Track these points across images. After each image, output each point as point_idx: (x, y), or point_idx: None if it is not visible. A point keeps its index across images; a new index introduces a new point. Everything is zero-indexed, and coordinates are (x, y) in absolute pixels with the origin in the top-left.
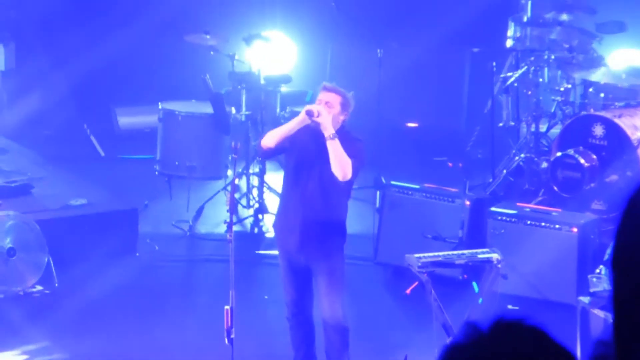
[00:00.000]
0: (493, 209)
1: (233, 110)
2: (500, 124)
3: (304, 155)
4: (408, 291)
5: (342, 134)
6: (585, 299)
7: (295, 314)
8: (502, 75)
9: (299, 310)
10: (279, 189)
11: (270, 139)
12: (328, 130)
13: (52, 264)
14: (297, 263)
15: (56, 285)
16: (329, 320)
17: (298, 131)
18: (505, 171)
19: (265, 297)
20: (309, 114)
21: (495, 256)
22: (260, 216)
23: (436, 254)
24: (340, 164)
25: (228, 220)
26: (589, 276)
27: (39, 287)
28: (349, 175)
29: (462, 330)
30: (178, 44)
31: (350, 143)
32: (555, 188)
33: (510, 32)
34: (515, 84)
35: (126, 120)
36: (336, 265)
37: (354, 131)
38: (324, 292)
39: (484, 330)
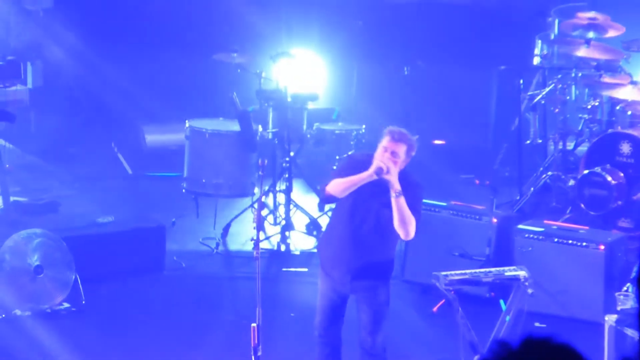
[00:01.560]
0: (520, 226)
1: (260, 127)
2: (528, 142)
3: (363, 196)
4: (435, 309)
5: (402, 176)
6: (612, 317)
7: (325, 333)
8: (529, 93)
9: (329, 332)
10: (306, 207)
11: (338, 190)
12: (395, 187)
13: (79, 282)
14: (338, 293)
15: (83, 302)
16: (370, 350)
17: (359, 168)
18: (532, 189)
19: (292, 314)
20: (379, 172)
21: (522, 274)
22: (287, 233)
23: (463, 271)
24: (405, 224)
25: (255, 237)
26: (616, 294)
27: (66, 305)
28: (412, 234)
29: (491, 348)
30: (206, 62)
31: (410, 190)
32: (582, 206)
33: (537, 50)
34: (543, 102)
35: (154, 137)
36: (382, 299)
37: (412, 172)
38: (369, 324)
39: (514, 348)
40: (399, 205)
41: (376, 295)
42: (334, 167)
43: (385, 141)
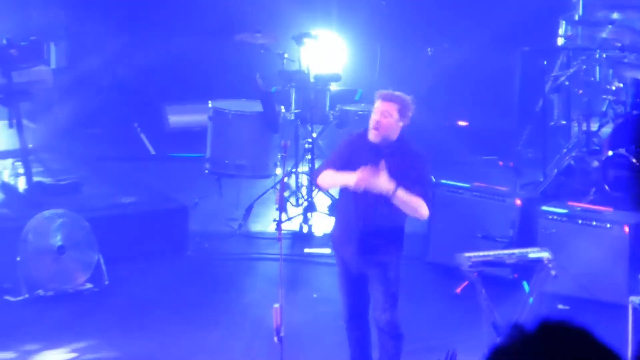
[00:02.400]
0: (544, 208)
1: (282, 108)
2: (552, 123)
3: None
4: (458, 290)
5: (401, 144)
6: (636, 299)
7: (350, 319)
8: (553, 74)
9: (355, 315)
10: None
11: (325, 183)
12: (386, 189)
13: (102, 262)
14: (353, 271)
15: (106, 283)
16: (384, 327)
17: (356, 146)
18: (556, 170)
19: (314, 295)
20: (357, 187)
21: (545, 255)
22: (309, 215)
23: (486, 253)
24: (415, 211)
25: (277, 218)
26: None
27: (88, 285)
28: (426, 214)
29: (507, 332)
30: (229, 43)
31: (410, 161)
32: (607, 187)
33: (561, 31)
34: (567, 83)
35: (176, 118)
36: (392, 273)
37: (413, 142)
38: (381, 300)
39: (530, 332)
40: (400, 200)
41: (386, 271)
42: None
43: (376, 103)
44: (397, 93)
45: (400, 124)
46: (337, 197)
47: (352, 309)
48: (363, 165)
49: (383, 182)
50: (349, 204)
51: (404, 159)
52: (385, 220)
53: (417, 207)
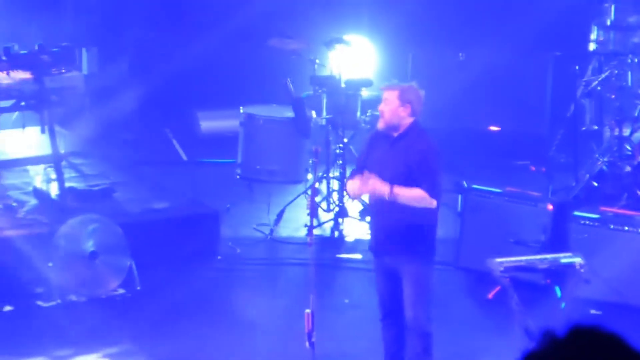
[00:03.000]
0: (576, 213)
1: (314, 114)
2: (583, 128)
3: (377, 163)
4: (490, 296)
5: (412, 132)
6: None
7: (386, 316)
8: (585, 79)
9: (390, 313)
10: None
11: (353, 194)
12: (382, 192)
13: (134, 267)
14: (385, 266)
15: (138, 288)
16: (412, 324)
17: (374, 140)
18: (588, 175)
19: (346, 300)
20: (352, 198)
21: (578, 260)
22: (340, 220)
23: (518, 258)
24: (419, 203)
25: (308, 223)
26: None
27: (121, 290)
28: (433, 204)
29: (538, 338)
30: (260, 48)
31: (417, 150)
32: (639, 192)
33: (593, 36)
34: (599, 88)
35: (208, 124)
36: (421, 271)
37: (427, 136)
38: (408, 296)
39: (560, 338)
40: (400, 198)
41: (415, 268)
42: None
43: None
44: (398, 82)
45: (403, 109)
46: (368, 202)
47: (386, 307)
48: (378, 159)
49: (376, 186)
50: (375, 201)
51: (411, 146)
52: (405, 215)
53: (420, 199)
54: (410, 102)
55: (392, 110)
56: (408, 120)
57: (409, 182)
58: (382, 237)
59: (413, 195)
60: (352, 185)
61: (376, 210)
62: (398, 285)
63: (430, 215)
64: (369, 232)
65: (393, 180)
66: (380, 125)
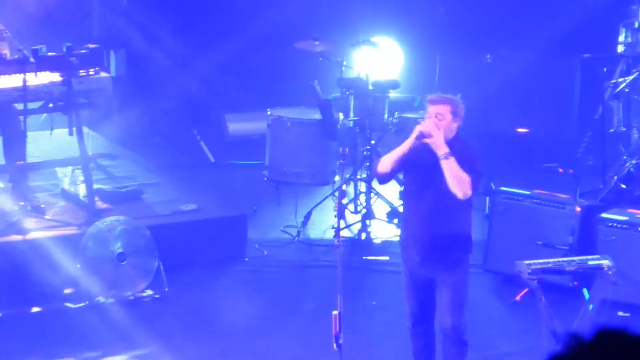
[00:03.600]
0: (604, 215)
1: (341, 116)
2: (611, 130)
3: (420, 171)
4: (518, 298)
5: (457, 142)
6: None
7: (416, 325)
8: (613, 81)
9: (421, 322)
10: (387, 196)
11: (385, 164)
12: (441, 149)
13: (162, 269)
14: (420, 276)
15: (166, 290)
16: (449, 332)
17: (413, 147)
18: (616, 177)
19: (373, 302)
20: (420, 137)
21: (606, 263)
22: (367, 222)
23: (546, 260)
24: (458, 184)
25: (336, 225)
26: None
27: (149, 292)
28: (468, 193)
29: (564, 341)
30: (287, 51)
31: (465, 153)
32: None
33: (621, 38)
34: (627, 90)
35: (236, 126)
36: (460, 277)
37: (468, 138)
38: (447, 305)
39: (586, 340)
40: (448, 166)
41: (454, 276)
42: None
43: (428, 108)
44: (445, 95)
45: (455, 125)
46: (396, 204)
47: (418, 314)
48: (421, 165)
49: (439, 139)
50: (411, 209)
51: (460, 155)
52: (448, 223)
53: (463, 180)
54: (461, 117)
55: (446, 126)
56: (452, 134)
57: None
58: (424, 247)
59: (461, 173)
60: (429, 124)
61: (418, 219)
62: (432, 293)
63: (467, 221)
64: (404, 241)
65: (441, 190)
66: (434, 141)
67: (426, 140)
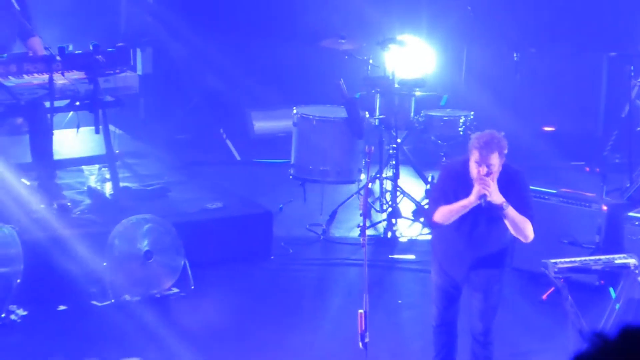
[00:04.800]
0: (630, 214)
1: (367, 114)
2: (638, 129)
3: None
4: (544, 297)
5: (504, 173)
6: None
7: (442, 324)
8: (639, 80)
9: (447, 322)
10: (413, 194)
11: (444, 218)
12: (499, 201)
13: (188, 267)
14: (455, 285)
15: (192, 287)
16: (479, 336)
17: (459, 179)
18: None
19: (399, 301)
20: (482, 197)
21: (632, 262)
22: (393, 220)
23: (572, 259)
24: (522, 230)
25: (361, 224)
26: None
27: (175, 290)
28: (531, 236)
29: (589, 340)
30: (313, 49)
31: (515, 185)
32: None
33: None
34: None
35: (261, 124)
36: (497, 286)
37: (510, 163)
38: (481, 311)
39: (611, 339)
40: (509, 217)
41: (492, 284)
42: (433, 182)
43: (476, 156)
44: (491, 137)
45: (502, 162)
46: (422, 202)
47: (446, 316)
48: (470, 190)
49: (497, 194)
50: (456, 234)
51: (507, 184)
52: (496, 248)
53: (525, 226)
54: (505, 154)
55: (499, 170)
56: None
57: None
58: (470, 266)
59: (521, 219)
60: (478, 185)
61: (462, 245)
62: (459, 296)
63: (511, 239)
64: (446, 259)
65: (492, 221)
66: (492, 199)
67: (487, 199)
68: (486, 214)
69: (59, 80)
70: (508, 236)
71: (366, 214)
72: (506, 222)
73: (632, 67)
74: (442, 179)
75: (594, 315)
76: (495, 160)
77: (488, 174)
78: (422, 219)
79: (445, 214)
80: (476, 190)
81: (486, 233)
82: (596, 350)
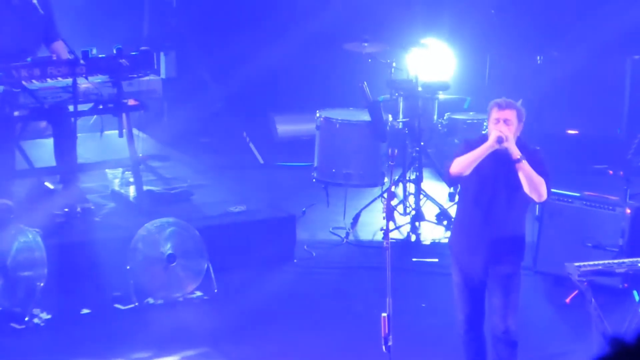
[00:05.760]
0: None
1: (390, 117)
2: None
3: (486, 176)
4: (568, 300)
5: (520, 146)
6: None
7: (469, 330)
8: None
9: (473, 327)
10: (436, 197)
11: (462, 166)
12: (515, 153)
13: (211, 270)
14: (475, 281)
15: (215, 291)
16: (502, 336)
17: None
18: None
19: (423, 305)
20: (499, 140)
21: None
22: (417, 224)
23: (596, 262)
24: (536, 187)
25: (385, 227)
26: None
27: (198, 293)
28: (545, 195)
29: (608, 344)
30: (337, 52)
31: (533, 157)
32: None
33: None
34: None
35: (285, 127)
36: (516, 282)
37: (528, 141)
38: (501, 308)
39: (630, 343)
40: (524, 170)
41: (510, 280)
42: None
43: (494, 113)
44: (509, 100)
45: (519, 128)
46: (445, 206)
47: (471, 320)
48: (487, 170)
49: (513, 143)
50: (472, 214)
51: (525, 155)
52: (512, 228)
53: (539, 183)
54: (523, 122)
55: (514, 131)
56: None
57: (525, 196)
58: (489, 252)
59: (536, 176)
60: (497, 132)
61: (483, 224)
62: (483, 297)
63: (525, 225)
64: (459, 242)
65: (510, 193)
66: (509, 145)
67: (503, 145)
68: (504, 180)
69: (83, 83)
70: (524, 217)
71: (389, 217)
72: (521, 176)
73: None
74: (461, 148)
75: (617, 318)
76: (513, 117)
77: (507, 135)
78: (445, 222)
79: (462, 161)
80: (494, 134)
81: (504, 209)
82: (617, 354)
